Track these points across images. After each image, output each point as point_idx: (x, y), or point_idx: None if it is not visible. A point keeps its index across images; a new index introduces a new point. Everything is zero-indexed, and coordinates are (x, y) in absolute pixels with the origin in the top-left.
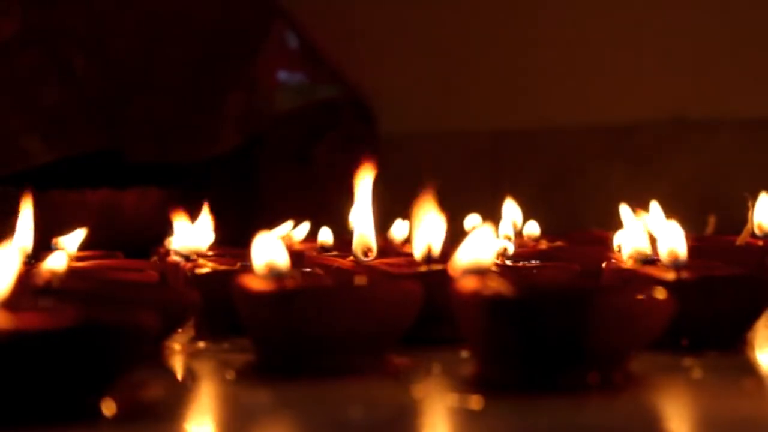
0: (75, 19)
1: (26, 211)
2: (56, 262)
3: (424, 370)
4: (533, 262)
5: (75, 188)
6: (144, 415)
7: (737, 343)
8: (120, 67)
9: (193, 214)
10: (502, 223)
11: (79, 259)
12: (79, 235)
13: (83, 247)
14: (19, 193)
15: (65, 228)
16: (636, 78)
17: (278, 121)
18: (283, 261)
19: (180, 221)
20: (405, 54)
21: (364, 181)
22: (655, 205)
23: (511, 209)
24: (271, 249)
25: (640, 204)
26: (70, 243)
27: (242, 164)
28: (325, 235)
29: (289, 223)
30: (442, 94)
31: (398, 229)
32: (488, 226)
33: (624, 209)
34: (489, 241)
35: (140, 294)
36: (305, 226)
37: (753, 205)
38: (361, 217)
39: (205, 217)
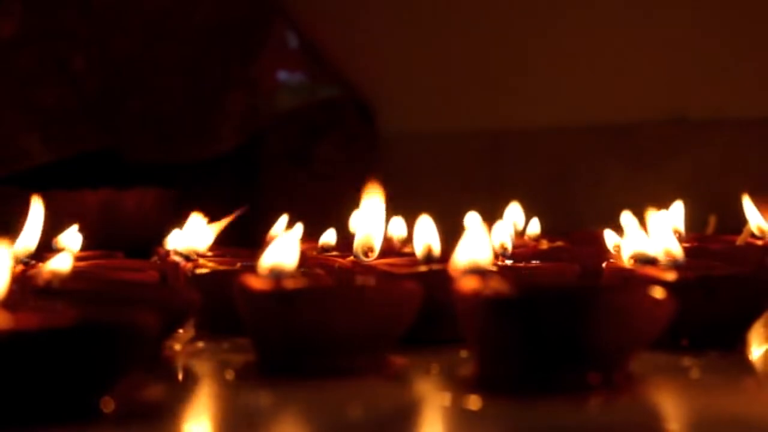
0: (75, 19)
1: (34, 212)
2: (61, 263)
3: (424, 370)
4: (533, 262)
5: (75, 188)
6: (144, 415)
7: (737, 343)
8: (120, 66)
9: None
10: (502, 224)
11: (79, 259)
12: (75, 232)
13: (83, 247)
14: (19, 193)
15: (65, 228)
16: (636, 78)
17: (278, 121)
18: (291, 262)
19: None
20: (405, 54)
21: (373, 197)
22: (658, 211)
23: (512, 214)
24: (283, 250)
25: (640, 204)
26: (71, 242)
27: (242, 164)
28: (328, 236)
29: (285, 221)
30: (442, 94)
31: (396, 229)
32: (482, 226)
33: (626, 215)
34: (485, 241)
35: (140, 294)
36: (298, 227)
37: (760, 205)
38: (372, 220)
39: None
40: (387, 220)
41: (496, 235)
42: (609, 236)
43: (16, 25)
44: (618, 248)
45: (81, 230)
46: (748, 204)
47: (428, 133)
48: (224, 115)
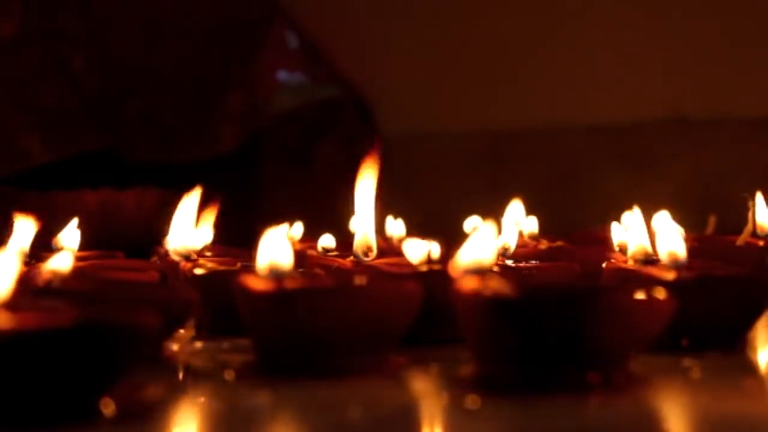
0: (75, 19)
1: (25, 212)
2: (61, 262)
3: (424, 370)
4: (533, 262)
5: (75, 188)
6: (144, 415)
7: (737, 343)
8: (120, 66)
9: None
10: (504, 224)
11: (79, 259)
12: (74, 229)
13: (83, 246)
14: (19, 193)
15: (65, 227)
16: (636, 78)
17: (278, 121)
18: (286, 262)
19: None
20: (405, 54)
21: (366, 181)
22: (663, 213)
23: (514, 211)
24: (276, 249)
25: (640, 204)
26: (70, 241)
27: (242, 164)
28: (327, 238)
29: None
30: (442, 94)
31: (394, 228)
32: (489, 227)
33: (634, 212)
34: (490, 242)
35: (140, 294)
36: (299, 226)
37: (753, 205)
38: (363, 218)
39: (207, 216)
40: (387, 220)
41: (499, 236)
42: (616, 231)
43: (16, 25)
44: (622, 246)
45: (81, 230)
46: (760, 202)
47: (428, 133)
48: (224, 115)
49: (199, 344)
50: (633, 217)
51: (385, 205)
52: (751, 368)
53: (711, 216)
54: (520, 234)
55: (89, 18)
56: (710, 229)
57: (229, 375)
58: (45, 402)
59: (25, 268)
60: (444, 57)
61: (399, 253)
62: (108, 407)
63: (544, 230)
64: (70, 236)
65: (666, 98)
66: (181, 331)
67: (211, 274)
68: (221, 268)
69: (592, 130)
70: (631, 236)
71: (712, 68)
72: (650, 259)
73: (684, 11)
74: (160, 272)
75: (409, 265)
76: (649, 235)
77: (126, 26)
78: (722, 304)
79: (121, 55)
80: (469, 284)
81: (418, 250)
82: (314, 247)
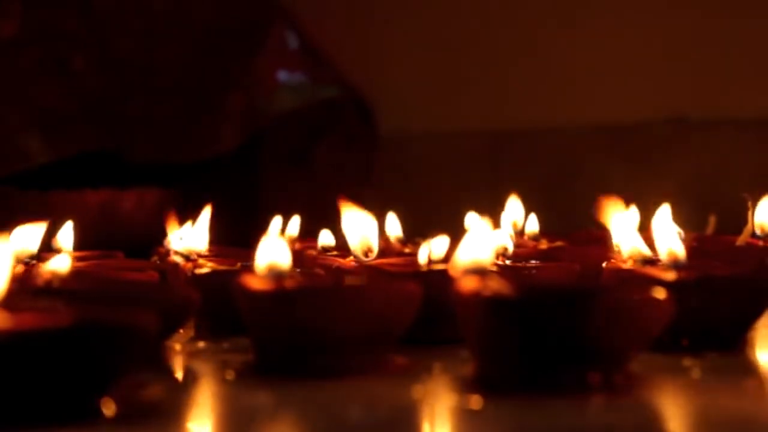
0: (75, 19)
1: (38, 213)
2: (59, 263)
3: (424, 370)
4: (533, 262)
5: (75, 188)
6: (144, 415)
7: (737, 343)
8: (120, 66)
9: (193, 214)
10: (502, 224)
11: (79, 259)
12: (71, 230)
13: (83, 247)
14: (19, 193)
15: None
16: (636, 78)
17: (278, 121)
18: (285, 262)
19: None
20: (405, 54)
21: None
22: (664, 208)
23: (512, 209)
24: (275, 250)
25: (640, 204)
26: (67, 242)
27: (242, 164)
28: (326, 236)
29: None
30: (442, 94)
31: (392, 228)
32: (485, 225)
33: (630, 211)
34: (487, 240)
35: (140, 294)
36: (296, 221)
37: (753, 206)
38: (361, 220)
39: (206, 216)
40: (386, 221)
41: (497, 235)
42: (615, 232)
43: (16, 25)
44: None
45: (81, 230)
46: (765, 202)
47: (428, 133)
48: (224, 115)
49: (199, 344)
50: (628, 216)
51: (385, 205)
52: (751, 368)
53: (711, 216)
54: (520, 233)
55: (89, 18)
56: (710, 229)
57: (229, 375)
58: (45, 402)
59: (25, 268)
60: (443, 57)
61: (399, 253)
62: (108, 407)
63: (544, 230)
64: (67, 236)
65: (666, 98)
66: (181, 331)
67: (211, 274)
68: (221, 268)
69: (591, 130)
70: (626, 237)
71: (712, 68)
72: (650, 260)
73: (684, 11)
74: (160, 272)
75: (409, 265)
76: (646, 235)
77: (126, 26)
78: (722, 304)
79: (121, 55)
80: (468, 284)
81: (424, 250)
82: (314, 247)
